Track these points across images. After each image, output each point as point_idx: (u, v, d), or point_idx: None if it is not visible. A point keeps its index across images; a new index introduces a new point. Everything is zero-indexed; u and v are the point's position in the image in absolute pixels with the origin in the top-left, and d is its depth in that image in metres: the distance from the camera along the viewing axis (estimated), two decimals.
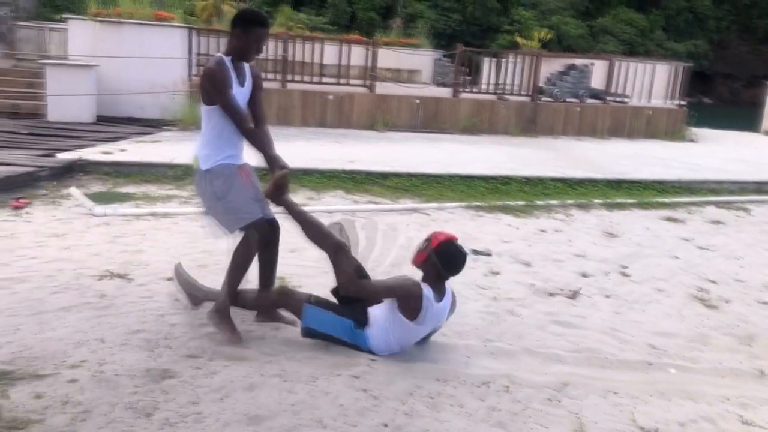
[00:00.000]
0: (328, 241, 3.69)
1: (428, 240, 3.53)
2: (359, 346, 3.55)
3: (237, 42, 3.53)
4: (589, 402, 3.28)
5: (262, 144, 3.59)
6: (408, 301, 3.43)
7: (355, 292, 3.58)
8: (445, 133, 12.38)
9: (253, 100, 3.71)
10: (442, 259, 3.44)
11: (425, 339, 3.70)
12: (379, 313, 3.55)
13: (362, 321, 3.56)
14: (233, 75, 3.55)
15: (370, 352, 3.53)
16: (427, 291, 3.45)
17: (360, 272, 3.68)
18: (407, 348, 3.62)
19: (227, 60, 3.54)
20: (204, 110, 3.59)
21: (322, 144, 10.01)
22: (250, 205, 3.63)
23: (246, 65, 3.67)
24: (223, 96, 3.47)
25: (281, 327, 3.80)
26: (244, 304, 3.79)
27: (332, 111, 12.02)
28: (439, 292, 3.52)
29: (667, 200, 8.30)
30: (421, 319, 3.45)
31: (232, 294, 3.71)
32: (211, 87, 3.49)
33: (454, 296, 3.67)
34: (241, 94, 3.59)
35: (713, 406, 3.36)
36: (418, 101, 12.48)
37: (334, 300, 3.70)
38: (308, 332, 3.59)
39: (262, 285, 3.88)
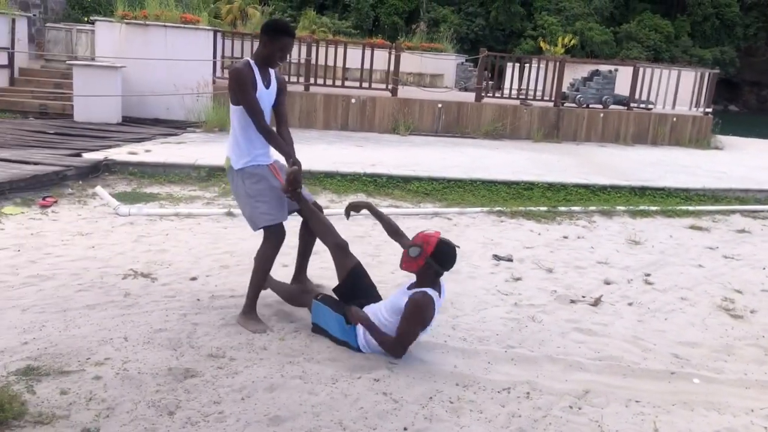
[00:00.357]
0: (330, 239, 3.89)
1: (420, 247, 3.48)
2: (348, 342, 3.61)
3: (263, 48, 3.74)
4: (610, 410, 3.25)
5: (279, 142, 3.77)
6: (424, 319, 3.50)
7: (399, 344, 3.54)
8: (467, 137, 12.35)
9: (278, 101, 3.90)
10: (440, 261, 3.49)
11: None
12: (379, 312, 3.57)
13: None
14: (258, 77, 3.73)
15: (358, 349, 3.58)
16: (435, 298, 3.49)
17: (358, 270, 3.83)
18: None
19: (253, 63, 3.74)
20: (233, 110, 3.79)
21: (344, 147, 10.03)
22: (276, 208, 3.80)
23: (271, 69, 3.85)
24: (245, 95, 3.66)
25: (301, 329, 3.83)
26: (275, 289, 4.10)
27: (354, 114, 12.05)
28: (438, 290, 3.58)
29: (691, 208, 8.19)
30: (428, 325, 3.56)
31: (256, 294, 3.90)
32: (236, 86, 3.67)
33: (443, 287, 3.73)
34: (266, 95, 3.78)
35: (738, 418, 3.31)
36: (440, 105, 12.47)
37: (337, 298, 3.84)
38: (315, 327, 3.78)
39: (296, 271, 4.21)
